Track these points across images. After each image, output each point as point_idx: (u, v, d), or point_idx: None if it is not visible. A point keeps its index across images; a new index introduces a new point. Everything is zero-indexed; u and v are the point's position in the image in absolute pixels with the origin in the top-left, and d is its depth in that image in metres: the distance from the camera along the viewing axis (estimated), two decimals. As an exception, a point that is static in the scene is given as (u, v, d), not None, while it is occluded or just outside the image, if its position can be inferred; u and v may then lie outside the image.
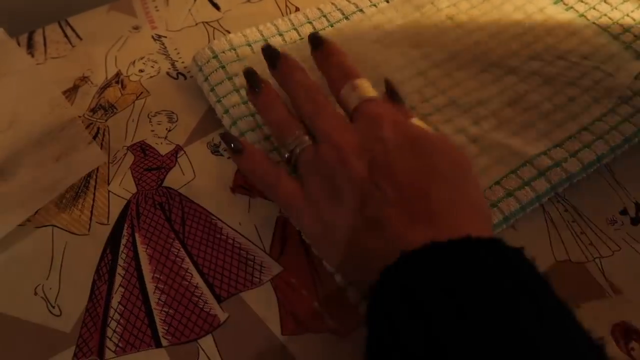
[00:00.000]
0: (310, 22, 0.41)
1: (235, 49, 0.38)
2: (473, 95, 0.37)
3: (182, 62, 0.42)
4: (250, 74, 0.32)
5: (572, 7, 0.43)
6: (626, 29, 0.40)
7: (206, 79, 0.37)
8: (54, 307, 0.30)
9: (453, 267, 0.20)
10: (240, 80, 0.37)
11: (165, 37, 0.44)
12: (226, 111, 0.36)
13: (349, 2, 0.43)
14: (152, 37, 0.45)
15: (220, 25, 0.45)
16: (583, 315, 0.29)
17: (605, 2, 0.43)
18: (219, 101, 0.36)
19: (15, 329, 0.29)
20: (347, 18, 0.42)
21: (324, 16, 0.42)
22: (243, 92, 0.37)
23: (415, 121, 0.30)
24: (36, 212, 0.34)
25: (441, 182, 0.26)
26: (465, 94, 0.37)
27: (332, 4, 0.43)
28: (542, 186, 0.32)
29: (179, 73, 0.41)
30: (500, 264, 0.20)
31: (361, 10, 0.43)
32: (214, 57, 0.38)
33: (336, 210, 0.27)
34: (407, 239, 0.23)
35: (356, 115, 0.30)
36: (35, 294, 0.30)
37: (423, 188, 0.25)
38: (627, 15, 0.41)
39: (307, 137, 0.30)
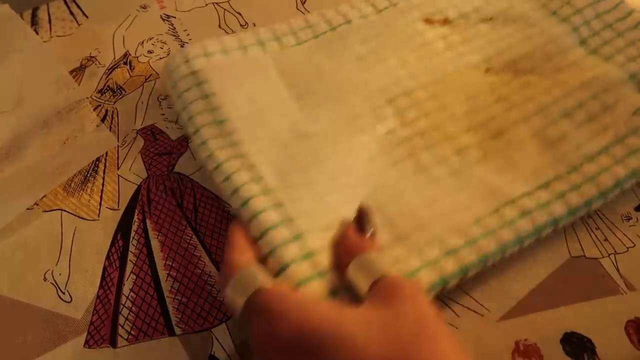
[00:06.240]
0: (294, 33, 0.38)
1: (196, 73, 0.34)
2: (460, 121, 0.34)
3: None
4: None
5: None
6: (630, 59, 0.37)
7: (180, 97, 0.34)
8: (64, 293, 0.29)
9: None
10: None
11: (175, 17, 0.43)
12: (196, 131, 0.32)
13: (338, 13, 0.39)
14: (161, 17, 0.43)
15: (230, 6, 0.44)
16: (597, 311, 0.30)
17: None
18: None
19: (24, 315, 0.29)
20: (333, 29, 0.38)
21: (309, 27, 0.38)
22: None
23: (372, 254, 0.26)
24: (44, 195, 0.33)
25: None
26: (450, 119, 0.34)
27: (320, 14, 0.39)
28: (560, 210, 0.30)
29: (189, 55, 0.40)
30: None
31: (349, 22, 0.39)
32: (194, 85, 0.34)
33: None
34: None
35: None
36: (45, 279, 0.30)
37: None
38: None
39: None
